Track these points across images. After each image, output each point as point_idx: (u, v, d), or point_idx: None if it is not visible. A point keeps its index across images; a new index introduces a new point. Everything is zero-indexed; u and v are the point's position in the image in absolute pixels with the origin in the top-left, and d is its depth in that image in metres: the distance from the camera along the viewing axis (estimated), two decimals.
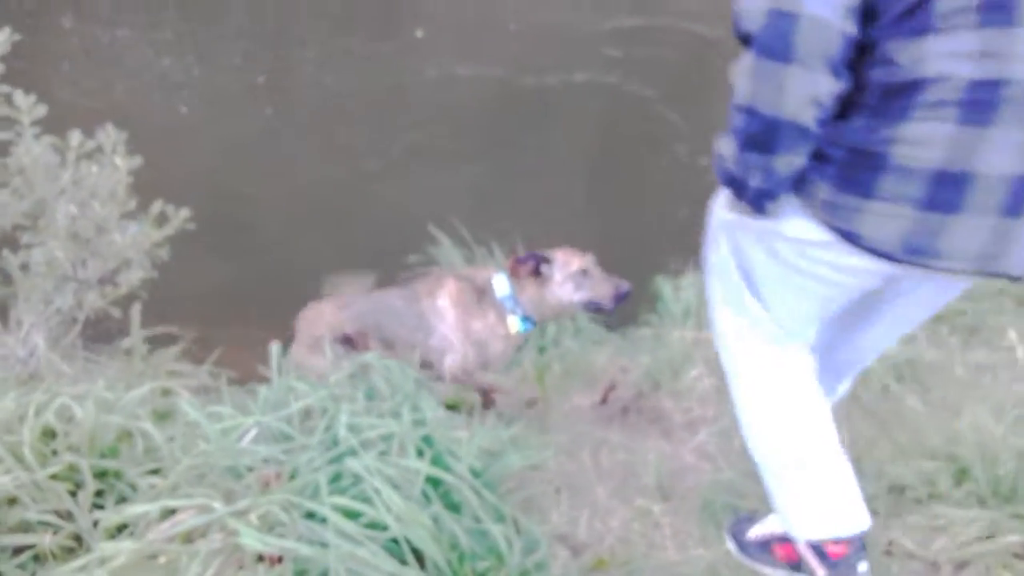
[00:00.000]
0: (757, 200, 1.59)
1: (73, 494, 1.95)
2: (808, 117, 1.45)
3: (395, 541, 1.80)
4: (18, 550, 1.89)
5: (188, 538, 1.81)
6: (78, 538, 1.92)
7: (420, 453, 1.99)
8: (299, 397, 2.12)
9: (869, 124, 1.48)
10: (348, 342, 2.91)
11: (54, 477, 1.95)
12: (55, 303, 2.97)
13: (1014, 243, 1.48)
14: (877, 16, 1.42)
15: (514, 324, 2.90)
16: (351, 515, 1.82)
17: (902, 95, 1.45)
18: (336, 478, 1.89)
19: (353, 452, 1.93)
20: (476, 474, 2.09)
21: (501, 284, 2.89)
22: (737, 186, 1.60)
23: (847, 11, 1.39)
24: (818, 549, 1.85)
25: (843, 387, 2.10)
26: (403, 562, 1.78)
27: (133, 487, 2.00)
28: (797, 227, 1.61)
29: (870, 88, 1.47)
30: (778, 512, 1.92)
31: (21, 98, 2.89)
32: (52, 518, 1.91)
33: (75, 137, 3.00)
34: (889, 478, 2.20)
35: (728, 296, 1.82)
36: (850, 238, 1.53)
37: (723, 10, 1.67)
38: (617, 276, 2.93)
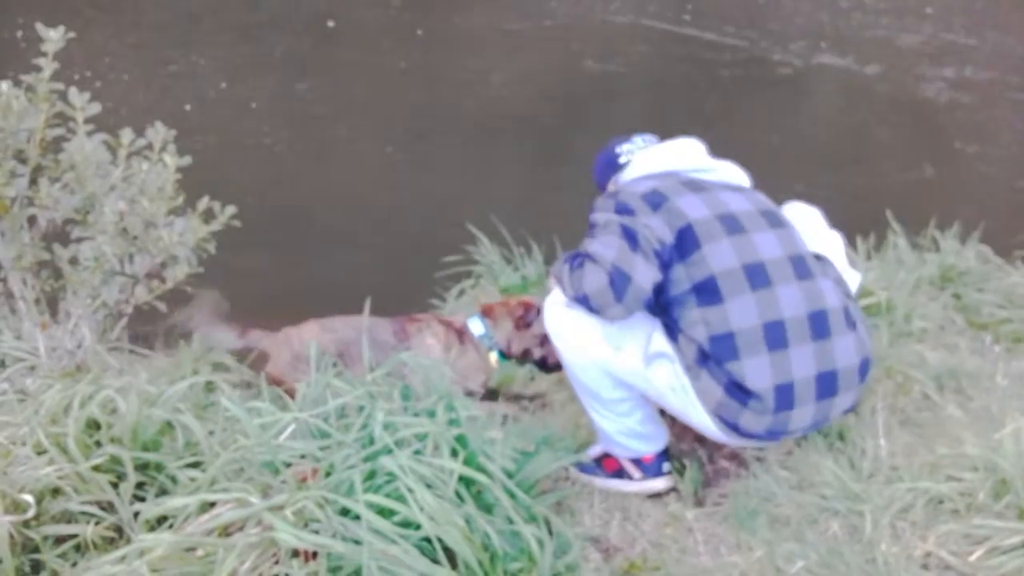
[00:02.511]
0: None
1: (115, 486, 2.00)
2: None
3: (427, 540, 1.82)
4: (60, 540, 1.94)
5: (225, 531, 1.85)
6: (119, 529, 1.97)
7: (454, 453, 2.01)
8: (336, 394, 2.14)
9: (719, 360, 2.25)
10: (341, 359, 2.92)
11: (97, 468, 2.00)
12: (102, 297, 3.04)
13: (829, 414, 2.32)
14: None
15: (494, 357, 3.07)
16: (385, 513, 1.84)
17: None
18: (371, 476, 1.91)
19: (388, 450, 1.95)
20: (509, 475, 2.10)
21: (475, 324, 3.07)
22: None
23: (652, 284, 2.25)
24: (634, 459, 2.53)
25: None
26: (435, 561, 1.80)
27: (173, 480, 2.05)
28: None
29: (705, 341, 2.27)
30: (602, 438, 2.57)
31: (76, 95, 2.96)
32: (94, 509, 1.96)
33: (127, 135, 3.07)
34: (927, 489, 2.17)
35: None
36: (731, 427, 2.28)
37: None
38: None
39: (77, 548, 1.93)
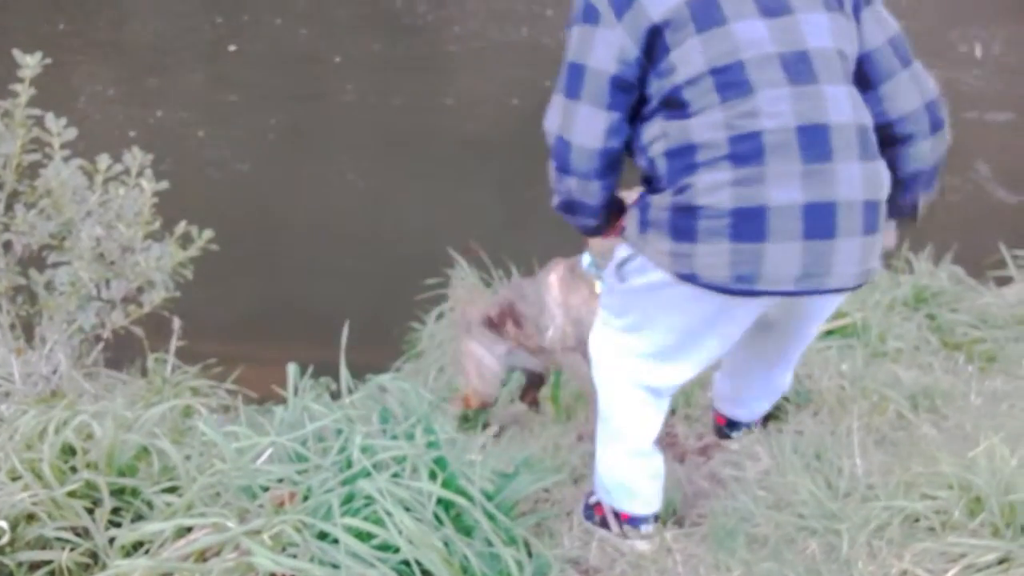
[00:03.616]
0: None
1: (90, 511, 1.98)
2: (586, 198, 2.02)
3: (406, 563, 1.82)
4: (35, 566, 1.92)
5: (202, 557, 1.84)
6: (94, 555, 1.95)
7: (432, 475, 2.01)
8: (314, 418, 2.14)
9: (672, 186, 1.84)
10: (491, 324, 3.10)
11: (72, 494, 1.99)
12: (78, 322, 3.02)
13: (834, 262, 1.79)
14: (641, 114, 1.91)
15: (596, 285, 2.82)
16: (363, 536, 1.83)
17: (683, 156, 1.82)
18: (349, 499, 1.91)
19: (366, 474, 1.95)
20: (488, 496, 2.10)
21: (585, 258, 2.89)
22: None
23: (606, 133, 1.89)
24: (616, 512, 2.34)
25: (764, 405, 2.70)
26: None
27: (149, 505, 2.04)
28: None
29: (658, 160, 1.88)
30: (598, 485, 2.38)
31: (52, 121, 2.96)
32: (69, 535, 1.94)
33: (103, 160, 3.07)
34: (903, 507, 2.19)
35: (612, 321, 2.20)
36: (689, 280, 1.85)
37: None
38: None
39: (52, 574, 1.91)
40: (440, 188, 5.56)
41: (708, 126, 1.76)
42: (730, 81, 1.75)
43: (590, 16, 1.85)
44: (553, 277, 2.97)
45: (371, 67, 7.21)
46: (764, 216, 1.74)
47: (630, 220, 2.00)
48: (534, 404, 3.47)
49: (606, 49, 1.82)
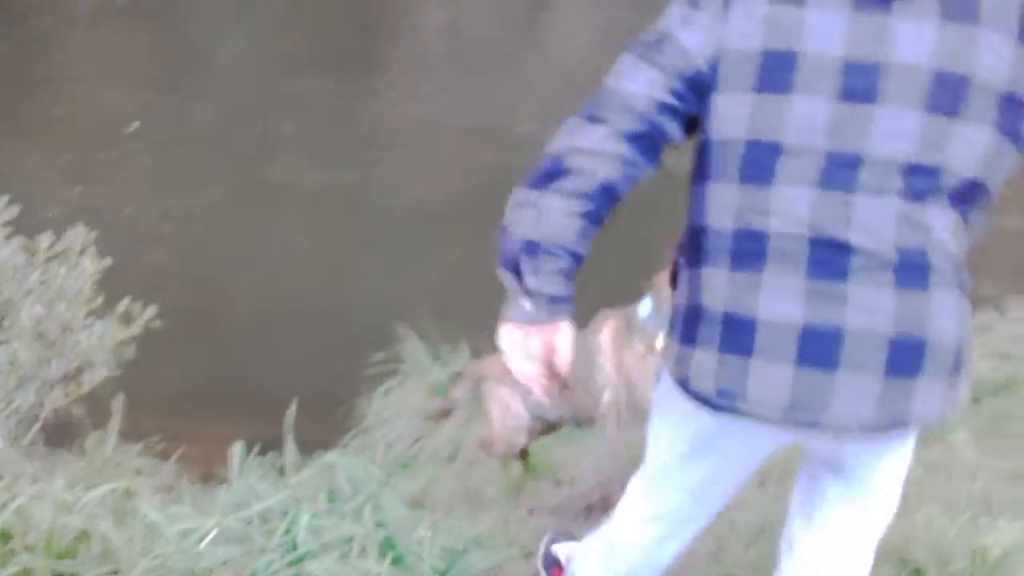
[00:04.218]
0: (519, 257, 1.49)
1: None
2: (588, 166, 1.47)
3: None
4: None
5: None
6: None
7: (382, 555, 1.99)
8: (260, 498, 2.11)
9: (686, 271, 1.58)
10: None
11: None
12: (17, 401, 2.96)
13: (833, 397, 1.46)
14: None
15: (657, 339, 2.49)
16: None
17: (697, 236, 1.53)
18: None
19: (313, 555, 1.93)
20: (439, 574, 2.09)
21: (643, 306, 2.59)
22: (505, 244, 1.51)
23: (660, 98, 1.46)
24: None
25: None
26: None
27: None
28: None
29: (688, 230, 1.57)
30: (576, 556, 2.02)
31: None
32: None
33: (45, 239, 3.04)
34: None
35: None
36: (682, 385, 1.55)
37: None
38: None
39: None
40: (386, 261, 5.58)
41: (720, 207, 1.49)
42: (756, 161, 1.45)
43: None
44: (604, 334, 2.68)
45: (315, 137, 7.28)
46: (753, 328, 1.47)
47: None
48: (523, 452, 3.22)
49: (702, 34, 1.44)
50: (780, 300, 1.46)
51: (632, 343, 2.59)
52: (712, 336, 1.51)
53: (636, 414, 2.52)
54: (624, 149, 1.45)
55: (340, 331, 4.78)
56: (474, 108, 8.23)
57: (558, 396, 2.71)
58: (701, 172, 1.50)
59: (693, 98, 1.46)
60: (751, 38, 1.41)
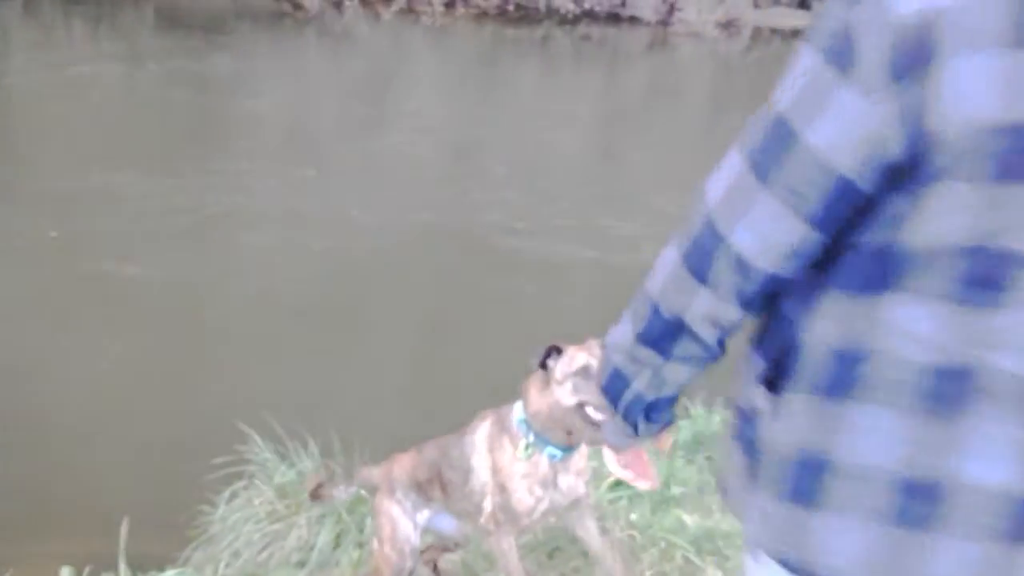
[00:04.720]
0: (632, 408, 1.31)
1: None
2: (708, 334, 1.22)
3: None
4: None
5: None
6: None
7: None
8: None
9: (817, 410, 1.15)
10: (418, 487, 2.74)
11: None
12: None
13: None
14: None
15: (523, 449, 2.41)
16: None
17: (852, 367, 1.12)
18: None
19: None
20: None
21: (518, 407, 2.45)
22: (618, 385, 1.32)
23: (788, 252, 1.11)
24: None
25: None
26: None
27: None
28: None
29: (810, 356, 1.16)
30: None
31: None
32: None
33: None
34: None
35: None
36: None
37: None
38: None
39: None
40: (224, 358, 5.44)
41: (904, 332, 1.06)
42: (987, 276, 1.02)
43: (839, 54, 1.01)
44: (479, 434, 2.58)
45: (139, 232, 7.11)
46: (944, 495, 1.06)
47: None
48: (435, 572, 3.11)
49: (846, 124, 1.02)
50: (991, 460, 1.06)
51: (503, 444, 2.48)
52: (869, 502, 1.09)
53: (509, 519, 2.45)
54: (739, 314, 1.19)
55: (177, 435, 4.60)
56: (306, 196, 8.25)
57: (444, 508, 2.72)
58: (860, 280, 1.09)
59: (843, 213, 1.07)
60: (984, 107, 0.95)
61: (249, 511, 3.86)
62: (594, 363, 2.24)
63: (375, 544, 2.86)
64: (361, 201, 8.34)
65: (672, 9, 24.21)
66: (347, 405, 4.88)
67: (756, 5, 25.71)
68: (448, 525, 2.80)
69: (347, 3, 22.03)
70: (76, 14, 17.54)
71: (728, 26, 24.57)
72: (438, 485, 2.66)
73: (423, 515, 2.76)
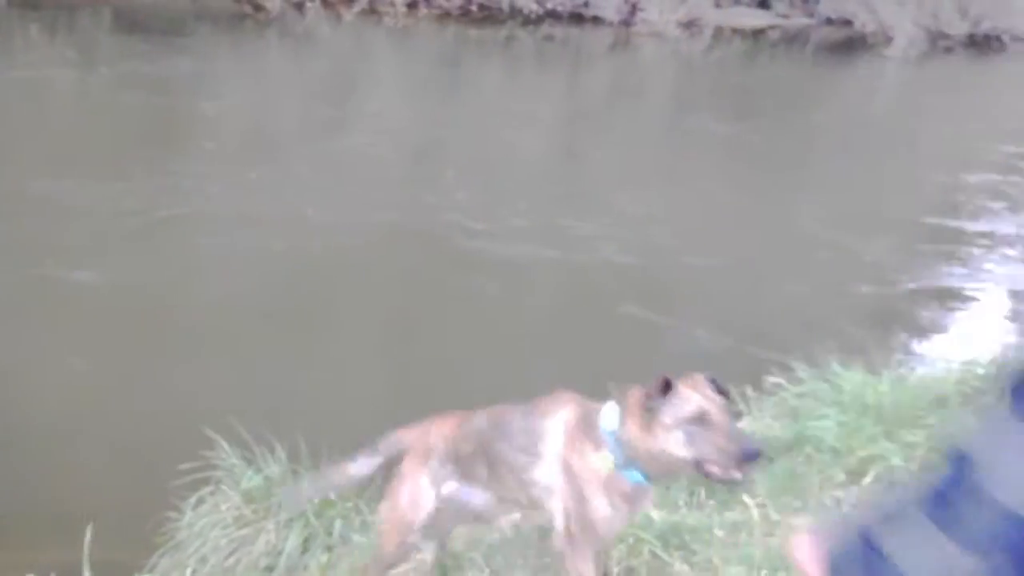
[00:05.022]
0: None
1: None
2: None
3: None
4: None
5: None
6: None
7: None
8: None
9: None
10: (457, 460, 2.48)
11: None
12: None
13: None
14: None
15: (605, 461, 2.19)
16: None
17: None
18: None
19: None
20: None
21: (609, 414, 2.22)
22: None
23: None
24: None
25: None
26: None
27: None
28: None
29: None
30: None
31: None
32: None
33: None
34: None
35: None
36: None
37: None
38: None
39: None
40: (188, 363, 5.39)
41: None
42: None
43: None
44: (559, 421, 2.28)
45: (90, 238, 7.04)
46: None
47: None
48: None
49: None
50: None
51: (584, 448, 2.20)
52: None
53: (590, 536, 2.21)
54: None
55: (142, 442, 4.55)
56: (264, 198, 8.21)
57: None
58: None
59: None
60: None
61: (216, 517, 3.83)
62: (712, 409, 2.06)
63: (383, 510, 2.64)
64: (321, 202, 8.30)
65: (634, 9, 24.38)
66: (313, 408, 4.86)
67: (717, 5, 26.00)
68: (477, 499, 2.51)
69: (308, 4, 21.89)
70: (32, 19, 17.24)
71: (690, 26, 24.78)
72: (484, 462, 2.40)
73: (449, 486, 2.51)
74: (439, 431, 2.54)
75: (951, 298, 7.93)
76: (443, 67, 18.40)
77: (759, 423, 4.31)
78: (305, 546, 3.52)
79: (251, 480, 4.14)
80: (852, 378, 4.50)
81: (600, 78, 19.76)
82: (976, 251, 9.11)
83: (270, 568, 3.54)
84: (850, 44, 20.75)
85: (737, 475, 2.04)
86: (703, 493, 3.37)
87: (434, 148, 11.58)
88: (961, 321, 7.58)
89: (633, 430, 2.12)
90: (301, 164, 9.74)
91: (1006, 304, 8.02)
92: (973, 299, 8.02)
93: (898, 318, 7.28)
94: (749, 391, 4.63)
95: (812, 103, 17.10)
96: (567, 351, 6.11)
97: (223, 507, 3.88)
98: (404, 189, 9.37)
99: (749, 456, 2.02)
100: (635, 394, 2.13)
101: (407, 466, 2.54)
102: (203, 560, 3.71)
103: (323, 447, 3.75)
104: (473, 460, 2.42)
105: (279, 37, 20.11)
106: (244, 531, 3.76)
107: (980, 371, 4.78)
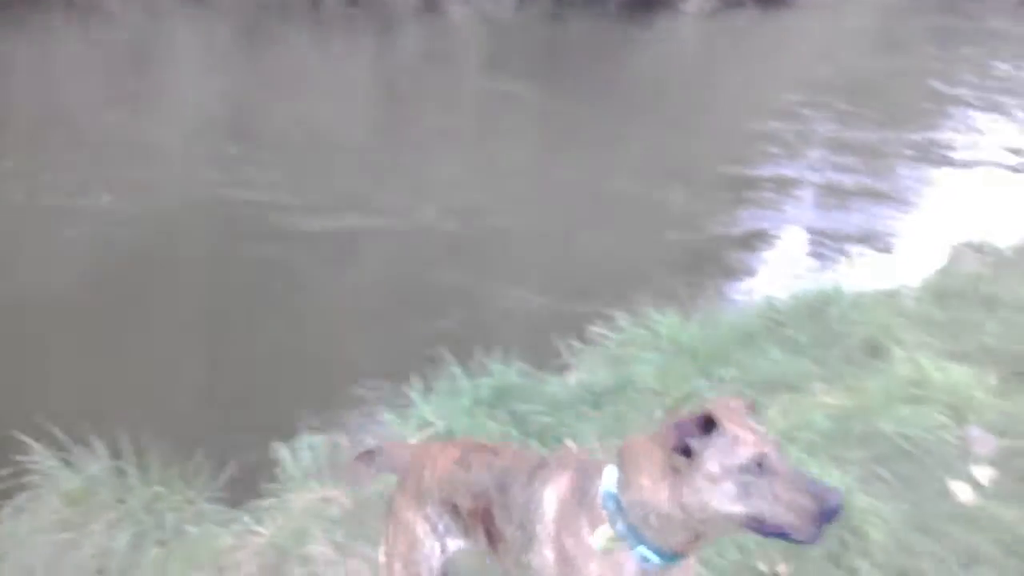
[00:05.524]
0: None
1: None
2: None
3: None
4: None
5: None
6: None
7: None
8: None
9: None
10: (455, 512, 2.13)
11: None
12: None
13: None
14: None
15: (603, 538, 1.80)
16: None
17: None
18: None
19: None
20: None
21: (607, 475, 1.83)
22: None
23: None
24: None
25: None
26: None
27: None
28: None
29: None
30: None
31: None
32: None
33: None
34: None
35: None
36: None
37: None
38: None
39: None
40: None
41: None
42: None
43: None
44: (551, 492, 1.93)
45: None
46: None
47: None
48: None
49: None
50: None
51: (577, 520, 1.84)
52: None
53: None
54: None
55: None
56: (53, 185, 7.75)
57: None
58: None
59: None
60: None
61: (37, 523, 3.65)
62: (771, 452, 1.66)
63: (381, 556, 2.30)
64: (117, 187, 7.88)
65: None
66: (131, 402, 4.66)
67: None
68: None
69: None
70: None
71: None
72: (482, 526, 2.06)
73: (456, 543, 2.17)
74: (432, 472, 2.19)
75: (752, 239, 8.47)
76: (245, 36, 17.68)
77: (586, 372, 4.50)
78: (136, 543, 3.41)
79: (71, 481, 3.94)
80: (668, 322, 4.78)
81: (408, 43, 19.59)
82: (768, 195, 9.74)
83: (101, 570, 3.40)
84: (649, 1, 21.55)
85: (816, 534, 1.62)
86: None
87: (240, 123, 11.19)
88: (762, 260, 8.13)
89: (649, 488, 1.72)
90: (96, 148, 9.16)
91: (801, 242, 8.64)
92: (772, 239, 8.60)
93: (706, 262, 7.72)
94: (575, 343, 4.82)
95: (615, 60, 17.64)
96: (390, 321, 6.13)
97: (43, 512, 3.69)
98: (212, 168, 9.01)
99: (828, 515, 1.61)
100: (659, 437, 1.72)
101: (399, 506, 2.24)
102: (28, 571, 3.52)
103: (147, 439, 3.64)
104: (472, 521, 2.10)
105: (64, 10, 18.66)
106: (68, 535, 3.59)
107: (779, 305, 5.17)
